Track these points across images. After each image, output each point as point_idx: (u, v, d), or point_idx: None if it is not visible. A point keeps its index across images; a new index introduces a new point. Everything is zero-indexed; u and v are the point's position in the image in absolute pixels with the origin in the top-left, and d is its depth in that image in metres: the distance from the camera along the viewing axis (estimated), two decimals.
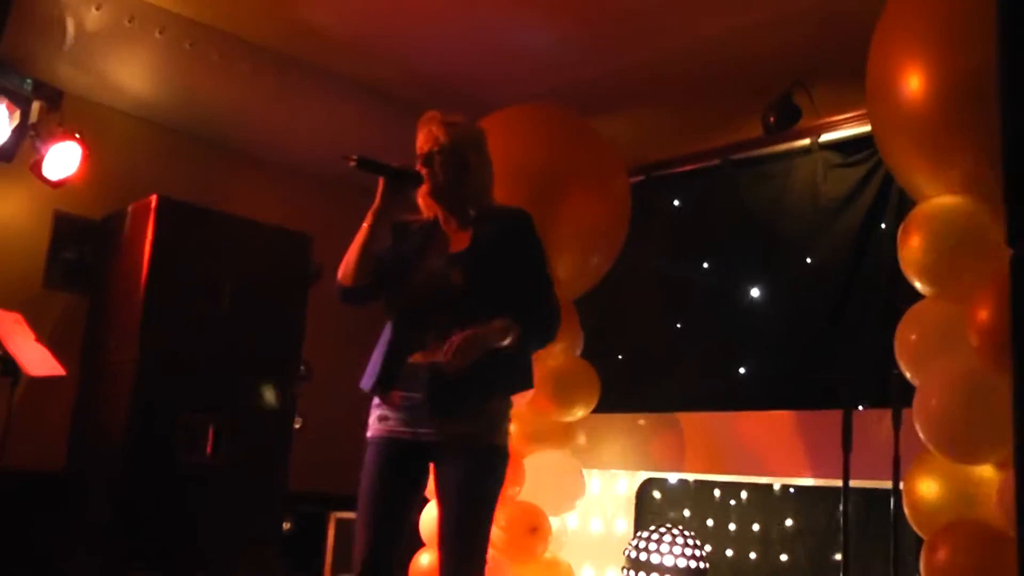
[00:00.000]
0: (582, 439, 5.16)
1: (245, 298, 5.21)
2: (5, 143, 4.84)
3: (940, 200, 3.51)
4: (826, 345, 4.90)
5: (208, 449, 4.96)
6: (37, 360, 4.53)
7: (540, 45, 5.24)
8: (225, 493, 5.01)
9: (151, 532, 4.73)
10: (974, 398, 3.22)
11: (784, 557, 4.93)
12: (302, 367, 5.56)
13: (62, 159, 4.99)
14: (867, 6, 3.80)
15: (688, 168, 5.84)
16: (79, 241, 5.42)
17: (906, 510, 3.45)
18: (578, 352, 5.02)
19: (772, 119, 5.19)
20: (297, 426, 5.48)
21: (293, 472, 5.34)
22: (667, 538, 4.62)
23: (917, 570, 3.39)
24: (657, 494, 5.53)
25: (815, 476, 4.68)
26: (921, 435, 3.38)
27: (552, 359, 4.68)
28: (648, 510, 5.51)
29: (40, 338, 4.63)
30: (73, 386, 5.23)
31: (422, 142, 3.07)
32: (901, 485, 3.49)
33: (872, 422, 4.08)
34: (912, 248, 3.47)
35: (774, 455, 4.84)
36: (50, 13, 4.74)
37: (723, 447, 5.06)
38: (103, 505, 4.81)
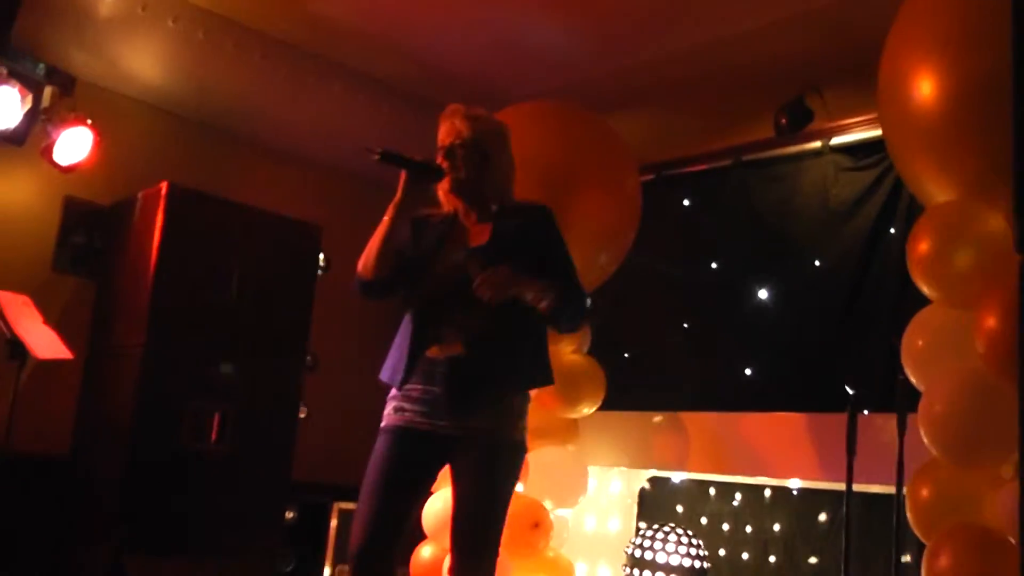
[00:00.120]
0: (586, 436, 5.17)
1: (253, 287, 5.21)
2: (17, 127, 4.85)
3: (949, 206, 3.50)
4: (833, 348, 4.90)
5: (213, 436, 4.97)
6: (45, 343, 4.54)
7: (553, 41, 5.24)
8: (229, 481, 5.02)
9: (155, 517, 4.74)
10: (979, 404, 3.21)
11: (773, 559, 4.95)
12: (308, 357, 5.57)
13: (73, 144, 5.00)
14: (880, 10, 3.79)
15: (699, 168, 5.84)
16: (89, 226, 5.43)
17: (908, 515, 3.44)
18: (585, 349, 5.04)
19: (784, 121, 5.18)
20: (302, 416, 5.49)
21: (297, 461, 5.35)
22: (671, 537, 4.63)
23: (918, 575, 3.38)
24: (660, 493, 5.53)
25: (818, 479, 4.68)
26: (925, 440, 3.37)
27: (559, 355, 4.68)
28: (651, 508, 5.51)
29: (48, 321, 4.64)
30: (79, 371, 5.25)
31: (444, 135, 3.06)
32: (904, 490, 3.49)
33: (877, 426, 4.08)
34: (920, 253, 3.47)
35: (778, 457, 4.84)
36: None
37: (727, 447, 5.05)
38: (107, 489, 4.82)
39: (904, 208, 4.75)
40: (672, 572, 4.53)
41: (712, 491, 5.33)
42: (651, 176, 5.77)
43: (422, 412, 2.93)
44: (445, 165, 3.03)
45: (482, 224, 3.07)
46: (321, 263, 5.61)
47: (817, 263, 5.16)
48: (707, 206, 5.78)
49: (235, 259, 5.18)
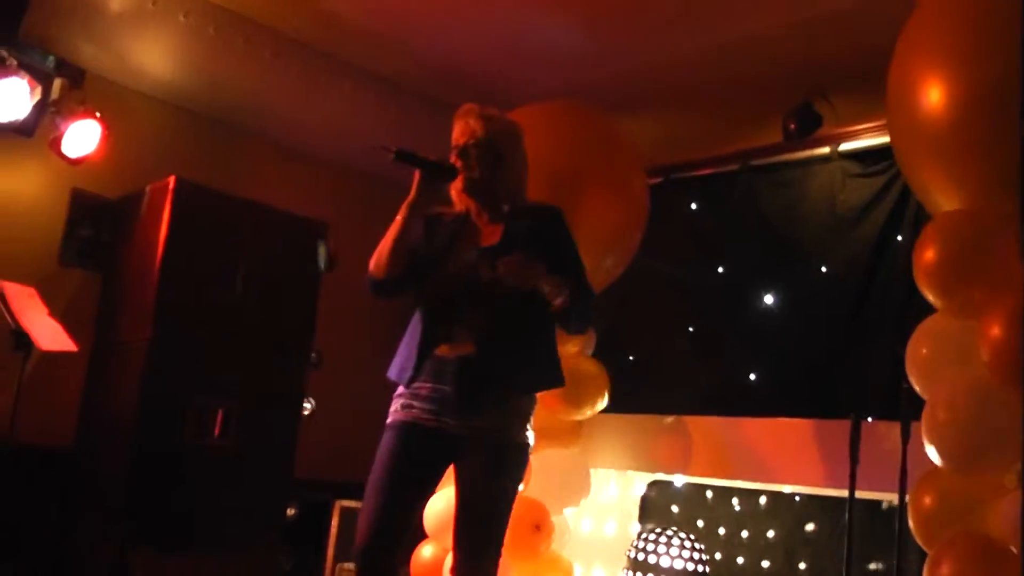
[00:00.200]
0: (589, 438, 5.16)
1: (259, 284, 5.21)
2: (26, 119, 4.85)
3: (956, 214, 3.49)
4: (838, 355, 4.89)
5: (216, 432, 4.97)
6: (50, 335, 4.55)
7: (562, 42, 5.23)
8: (231, 477, 5.02)
9: (158, 513, 4.75)
10: (983, 413, 3.20)
11: (766, 563, 4.94)
12: (313, 354, 5.57)
13: (82, 137, 5.01)
14: (890, 16, 3.79)
15: (707, 172, 5.83)
16: (95, 219, 5.43)
17: (911, 523, 3.43)
18: (590, 351, 5.03)
19: (793, 126, 5.18)
20: (306, 413, 5.49)
21: (299, 459, 5.36)
22: (675, 541, 4.62)
23: None
24: (662, 496, 5.53)
25: (821, 485, 4.66)
26: (928, 448, 3.36)
27: (564, 357, 4.67)
28: (652, 512, 5.50)
29: (53, 314, 4.65)
30: (84, 364, 5.26)
31: (458, 135, 3.05)
32: (907, 498, 3.48)
33: (880, 434, 4.07)
34: (927, 261, 3.46)
35: (781, 462, 4.83)
36: None
37: (730, 452, 5.04)
38: (111, 482, 4.83)
39: (911, 215, 4.74)
40: None
41: (719, 496, 5.32)
42: (659, 179, 5.76)
43: (430, 410, 2.92)
44: (459, 164, 3.03)
45: (494, 224, 3.07)
46: (321, 262, 5.58)
47: (823, 269, 5.15)
48: (714, 210, 5.77)
49: (241, 255, 5.18)
